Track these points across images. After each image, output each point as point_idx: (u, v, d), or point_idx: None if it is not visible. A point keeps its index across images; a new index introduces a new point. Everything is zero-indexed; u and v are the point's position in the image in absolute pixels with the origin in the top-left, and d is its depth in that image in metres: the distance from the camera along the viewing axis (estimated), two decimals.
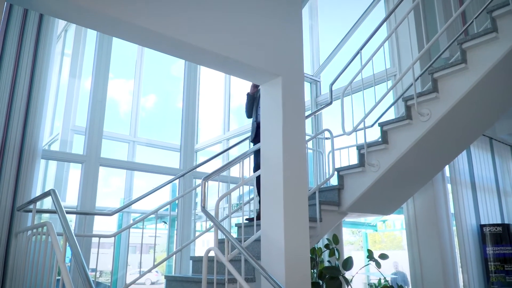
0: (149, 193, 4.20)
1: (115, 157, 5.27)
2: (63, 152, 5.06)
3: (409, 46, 5.34)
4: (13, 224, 3.50)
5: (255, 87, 4.78)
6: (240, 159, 3.74)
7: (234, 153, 6.10)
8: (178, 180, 4.89)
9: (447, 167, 5.41)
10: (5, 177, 3.59)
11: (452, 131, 4.05)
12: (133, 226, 4.38)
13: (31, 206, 3.20)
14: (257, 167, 4.52)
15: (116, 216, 5.94)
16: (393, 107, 5.19)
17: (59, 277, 2.27)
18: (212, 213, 3.31)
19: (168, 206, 4.55)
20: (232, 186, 5.19)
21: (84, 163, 4.41)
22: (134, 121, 6.54)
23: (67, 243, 2.30)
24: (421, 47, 5.05)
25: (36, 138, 3.82)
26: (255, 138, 4.73)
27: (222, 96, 7.60)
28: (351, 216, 5.02)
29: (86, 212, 4.13)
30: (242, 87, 7.22)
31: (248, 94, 4.85)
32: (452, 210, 5.48)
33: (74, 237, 2.28)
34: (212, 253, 3.33)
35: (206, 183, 3.44)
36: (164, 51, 3.23)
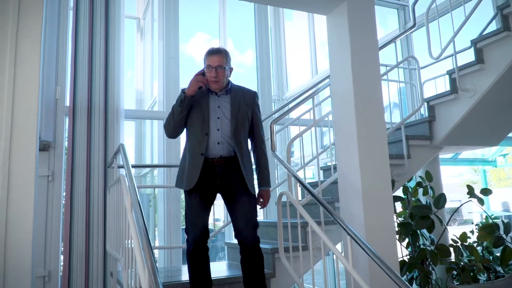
0: None
1: None
2: (143, 110, 5.34)
3: None
4: (107, 180, 3.84)
5: (196, 86, 2.65)
6: (308, 98, 3.55)
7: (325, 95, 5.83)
8: None
9: None
10: (95, 139, 3.92)
11: None
12: None
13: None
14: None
15: None
16: (494, 24, 4.41)
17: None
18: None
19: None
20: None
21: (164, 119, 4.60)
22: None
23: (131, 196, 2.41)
24: None
25: (118, 100, 4.06)
26: (201, 187, 2.64)
27: (307, 39, 7.25)
28: (448, 150, 4.54)
29: (166, 165, 4.36)
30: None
31: (183, 94, 2.65)
32: None
33: (136, 190, 2.39)
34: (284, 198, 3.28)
35: (274, 126, 3.35)
36: None
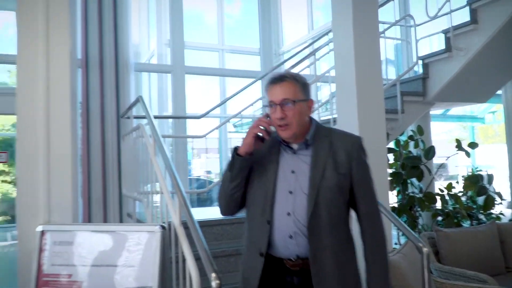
0: (229, 98, 4.44)
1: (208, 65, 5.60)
2: (152, 64, 5.50)
3: None
4: (120, 129, 4.07)
5: (259, 139, 1.64)
6: (311, 55, 3.75)
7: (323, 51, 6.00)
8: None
9: None
10: (107, 91, 4.11)
11: None
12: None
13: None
14: None
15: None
16: None
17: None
18: None
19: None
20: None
21: (172, 72, 4.79)
22: (220, 30, 6.70)
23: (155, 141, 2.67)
24: None
25: (127, 54, 4.22)
26: None
27: None
28: (439, 106, 4.81)
29: (176, 116, 4.61)
30: None
31: (234, 152, 1.66)
32: None
33: (160, 136, 2.63)
34: None
35: None
36: None
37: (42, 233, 2.14)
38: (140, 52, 6.46)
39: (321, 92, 6.59)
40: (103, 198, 3.94)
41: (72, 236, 2.21)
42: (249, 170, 1.68)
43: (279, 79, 1.64)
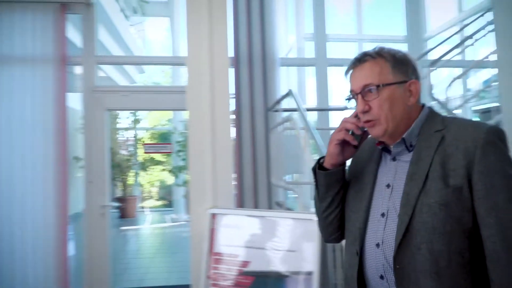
0: None
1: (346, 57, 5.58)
2: (296, 58, 5.66)
3: None
4: (268, 122, 4.29)
5: (350, 145, 1.27)
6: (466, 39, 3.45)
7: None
8: None
9: None
10: (256, 86, 4.35)
11: None
12: None
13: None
14: None
15: None
16: None
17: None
18: None
19: None
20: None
21: (316, 65, 4.89)
22: (358, 19, 6.58)
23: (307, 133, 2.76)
24: None
25: (273, 49, 4.41)
26: None
27: None
28: None
29: (321, 108, 4.66)
30: None
31: (317, 165, 1.33)
32: None
33: (314, 128, 2.73)
34: None
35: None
36: None
37: (213, 215, 2.41)
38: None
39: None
40: (254, 187, 4.20)
41: (237, 219, 2.44)
42: (346, 185, 1.33)
43: (358, 60, 1.22)
